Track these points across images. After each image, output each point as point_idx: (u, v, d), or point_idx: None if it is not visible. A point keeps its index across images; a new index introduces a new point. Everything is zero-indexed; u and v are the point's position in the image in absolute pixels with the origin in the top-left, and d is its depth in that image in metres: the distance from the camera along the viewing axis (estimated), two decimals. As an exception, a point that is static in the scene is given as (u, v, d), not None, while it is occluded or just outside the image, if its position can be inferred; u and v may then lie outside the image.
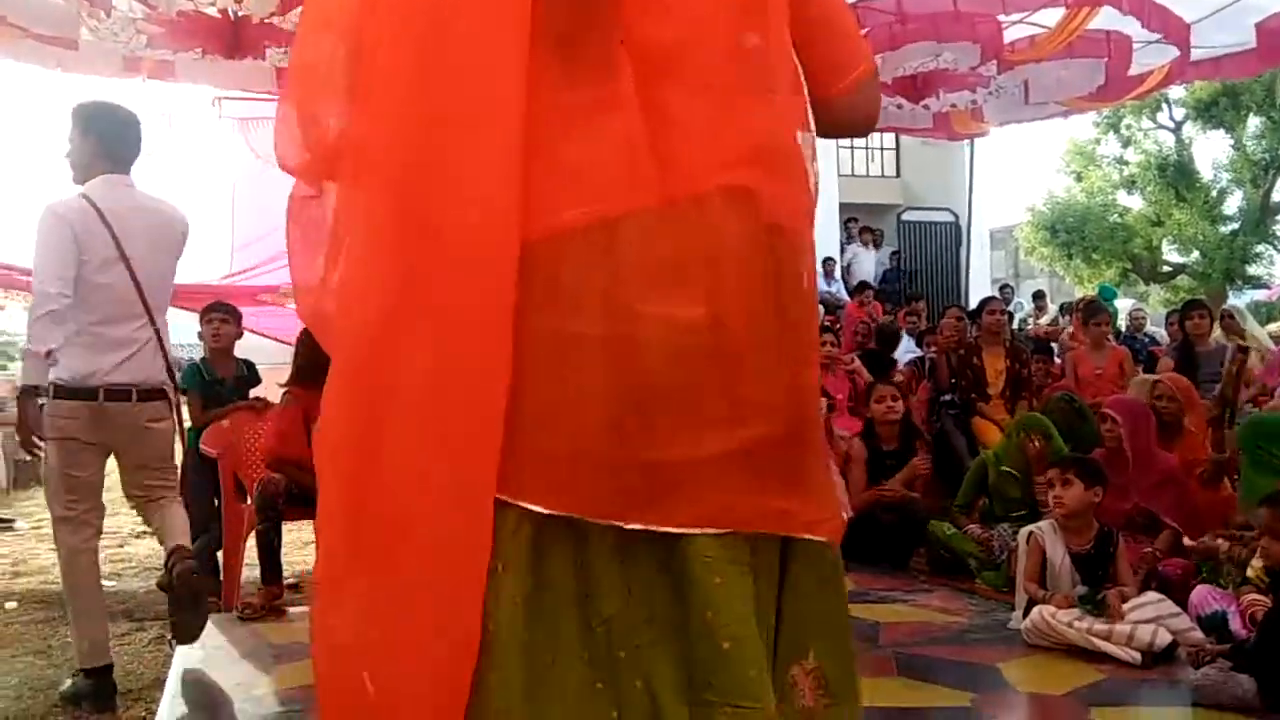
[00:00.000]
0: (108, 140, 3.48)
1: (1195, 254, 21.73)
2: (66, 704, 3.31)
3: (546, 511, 1.31)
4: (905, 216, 17.48)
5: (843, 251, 15.05)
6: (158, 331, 3.48)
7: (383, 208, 1.35)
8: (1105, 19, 6.17)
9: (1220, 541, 3.68)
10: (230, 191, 8.46)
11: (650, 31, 1.36)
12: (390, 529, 1.32)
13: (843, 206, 16.01)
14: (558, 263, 1.31)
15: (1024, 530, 3.86)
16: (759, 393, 1.38)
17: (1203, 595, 3.47)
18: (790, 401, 1.43)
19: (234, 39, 5.43)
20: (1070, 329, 9.02)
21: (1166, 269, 22.54)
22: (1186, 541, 3.94)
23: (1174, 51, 6.75)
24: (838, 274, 13.78)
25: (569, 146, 1.33)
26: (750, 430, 1.37)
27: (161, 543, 3.56)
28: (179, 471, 4.91)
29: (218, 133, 8.07)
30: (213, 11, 5.17)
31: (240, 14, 5.18)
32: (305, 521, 4.73)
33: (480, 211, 1.29)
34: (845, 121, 1.65)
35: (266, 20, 5.25)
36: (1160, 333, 10.51)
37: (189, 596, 3.30)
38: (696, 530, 1.34)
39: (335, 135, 1.45)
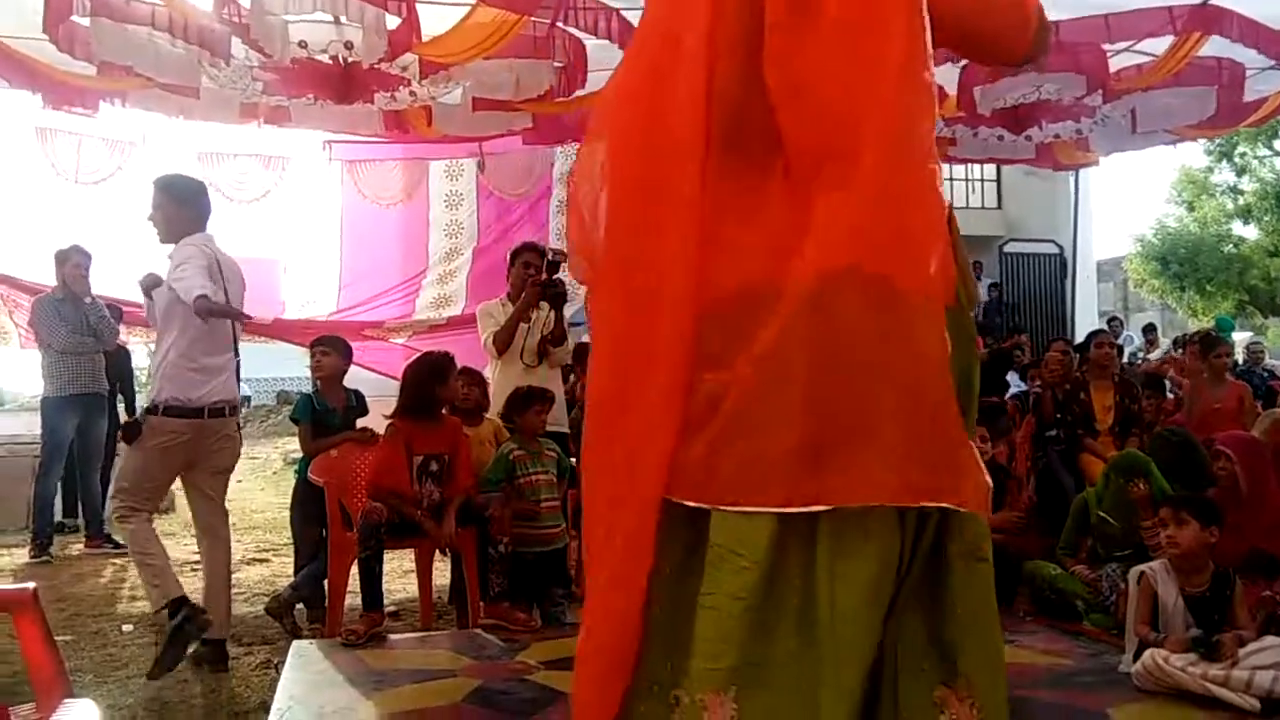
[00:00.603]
0: (198, 207, 4.35)
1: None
2: (171, 639, 3.82)
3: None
4: (1007, 248, 17.15)
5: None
6: (238, 358, 4.42)
7: (606, 289, 1.89)
8: (1216, 45, 6.01)
9: None
10: (338, 231, 8.74)
11: (798, 137, 1.73)
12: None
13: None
14: (741, 317, 1.71)
15: (1134, 570, 3.73)
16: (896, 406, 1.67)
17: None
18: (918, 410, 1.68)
19: (344, 84, 5.64)
20: (1182, 360, 8.69)
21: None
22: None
23: (1289, 77, 6.54)
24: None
25: (732, 230, 1.74)
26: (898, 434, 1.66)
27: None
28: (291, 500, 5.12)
29: (327, 174, 8.36)
30: (324, 58, 5.38)
31: (350, 60, 5.37)
32: (406, 550, 4.85)
33: (663, 284, 1.73)
34: (1031, 60, 2.02)
35: (375, 66, 5.44)
36: (1279, 365, 10.08)
37: (183, 641, 3.89)
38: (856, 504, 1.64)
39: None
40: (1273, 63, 6.27)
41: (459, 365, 4.91)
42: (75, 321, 6.72)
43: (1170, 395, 7.13)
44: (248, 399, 18.20)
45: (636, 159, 1.82)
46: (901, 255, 1.70)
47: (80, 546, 7.10)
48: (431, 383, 4.57)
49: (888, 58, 1.70)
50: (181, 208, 4.25)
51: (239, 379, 4.52)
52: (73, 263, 6.75)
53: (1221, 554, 3.69)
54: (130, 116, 6.67)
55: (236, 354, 4.39)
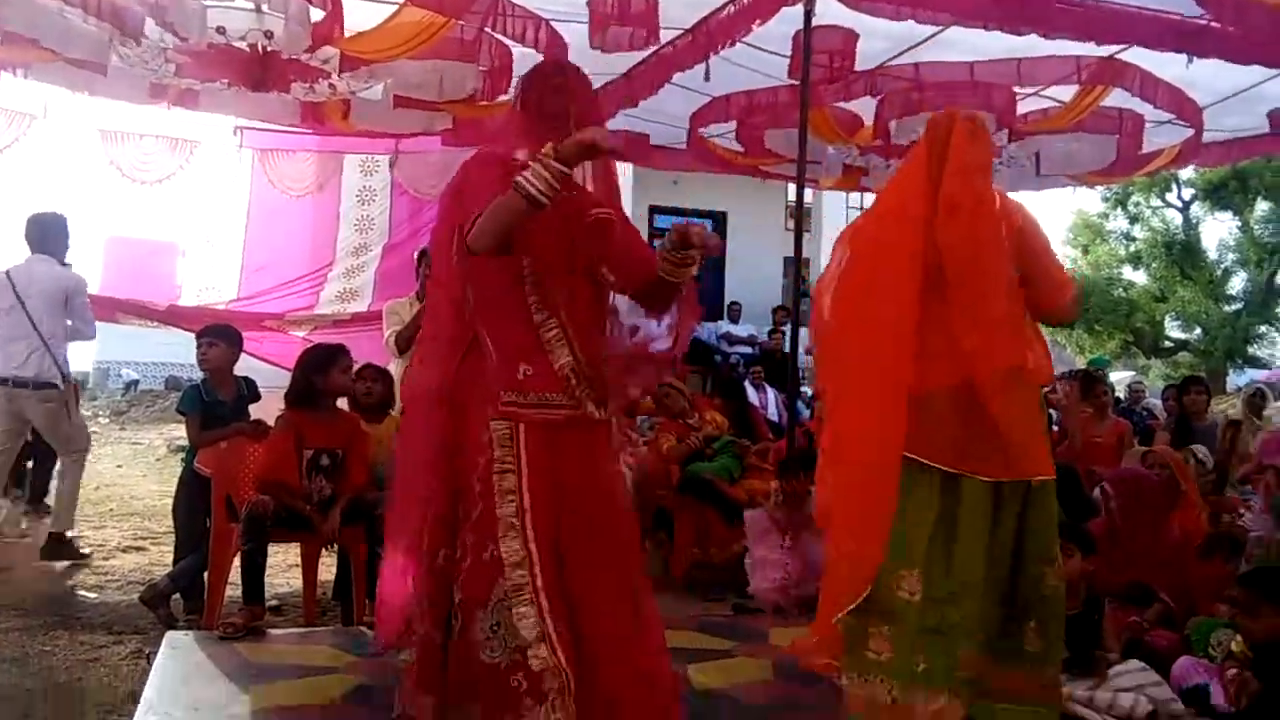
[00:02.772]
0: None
1: (1197, 331, 21.82)
2: None
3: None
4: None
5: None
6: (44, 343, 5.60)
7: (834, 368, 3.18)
8: (1119, 96, 6.29)
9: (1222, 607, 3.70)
10: (244, 218, 8.54)
11: (953, 283, 2.85)
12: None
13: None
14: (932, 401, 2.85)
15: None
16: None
17: (1186, 667, 3.47)
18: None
19: (261, 73, 5.53)
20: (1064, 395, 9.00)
21: (1168, 344, 22.63)
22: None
23: (1186, 131, 6.87)
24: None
25: (926, 338, 2.84)
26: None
27: None
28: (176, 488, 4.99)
29: (237, 160, 8.17)
30: (242, 45, 5.26)
31: (269, 49, 5.27)
32: (292, 544, 4.75)
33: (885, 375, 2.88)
34: (1067, 317, 3.27)
35: (294, 57, 5.35)
36: (1158, 404, 10.54)
37: None
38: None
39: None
40: (1170, 117, 6.59)
41: (360, 361, 4.84)
42: None
43: (1055, 429, 7.37)
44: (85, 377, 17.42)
45: (866, 277, 3.00)
46: (1023, 356, 2.88)
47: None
48: (312, 373, 4.50)
49: (995, 239, 2.88)
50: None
51: (56, 360, 5.62)
52: None
53: (1101, 584, 3.85)
54: (31, 88, 6.44)
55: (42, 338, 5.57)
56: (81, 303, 5.88)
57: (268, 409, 4.88)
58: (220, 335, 5.00)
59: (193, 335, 5.23)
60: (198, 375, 5.25)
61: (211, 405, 4.84)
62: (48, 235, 5.84)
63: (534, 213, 2.27)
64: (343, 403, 4.88)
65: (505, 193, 2.27)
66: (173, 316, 7.82)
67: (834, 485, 3.05)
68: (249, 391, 5.02)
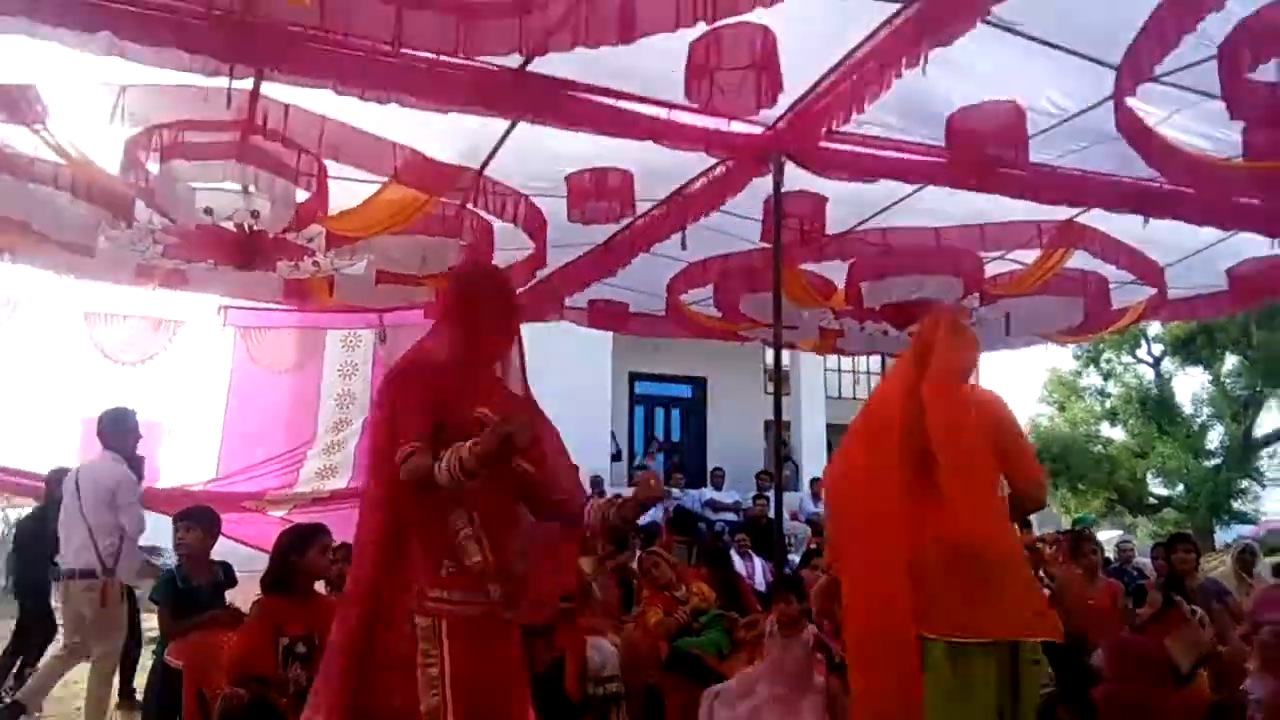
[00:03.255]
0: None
1: (1180, 487, 21.84)
2: None
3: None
4: (892, 441, 17.64)
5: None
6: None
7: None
8: (1082, 259, 6.48)
9: None
10: (224, 396, 8.55)
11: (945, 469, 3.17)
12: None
13: (830, 427, 16.19)
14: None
15: None
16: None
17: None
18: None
19: (247, 251, 5.63)
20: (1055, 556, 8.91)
21: (1152, 501, 22.59)
22: None
23: (1148, 291, 7.05)
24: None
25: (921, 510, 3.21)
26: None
27: None
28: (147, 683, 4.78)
29: (219, 339, 8.24)
30: (229, 225, 5.38)
31: (255, 228, 5.38)
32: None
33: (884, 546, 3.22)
34: (1038, 494, 3.48)
35: (280, 235, 5.46)
36: (1147, 563, 10.44)
37: None
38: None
39: None
40: (1132, 278, 6.78)
41: (337, 540, 4.72)
42: None
43: (1046, 591, 7.26)
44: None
45: (861, 472, 3.37)
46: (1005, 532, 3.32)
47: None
48: (289, 554, 4.37)
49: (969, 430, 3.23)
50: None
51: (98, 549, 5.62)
52: None
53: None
54: (15, 272, 6.52)
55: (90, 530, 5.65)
56: (126, 500, 5.92)
57: (246, 594, 4.74)
58: (197, 520, 4.91)
59: (168, 518, 5.15)
60: (172, 559, 5.14)
61: (186, 592, 4.70)
62: (110, 431, 6.08)
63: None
64: (320, 585, 4.75)
65: (435, 411, 2.59)
66: (149, 500, 7.70)
67: (859, 663, 3.32)
68: (225, 577, 4.90)
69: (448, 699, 2.53)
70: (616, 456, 14.66)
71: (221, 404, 8.47)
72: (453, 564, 2.61)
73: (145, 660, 6.40)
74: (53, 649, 6.23)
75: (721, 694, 4.90)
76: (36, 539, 6.67)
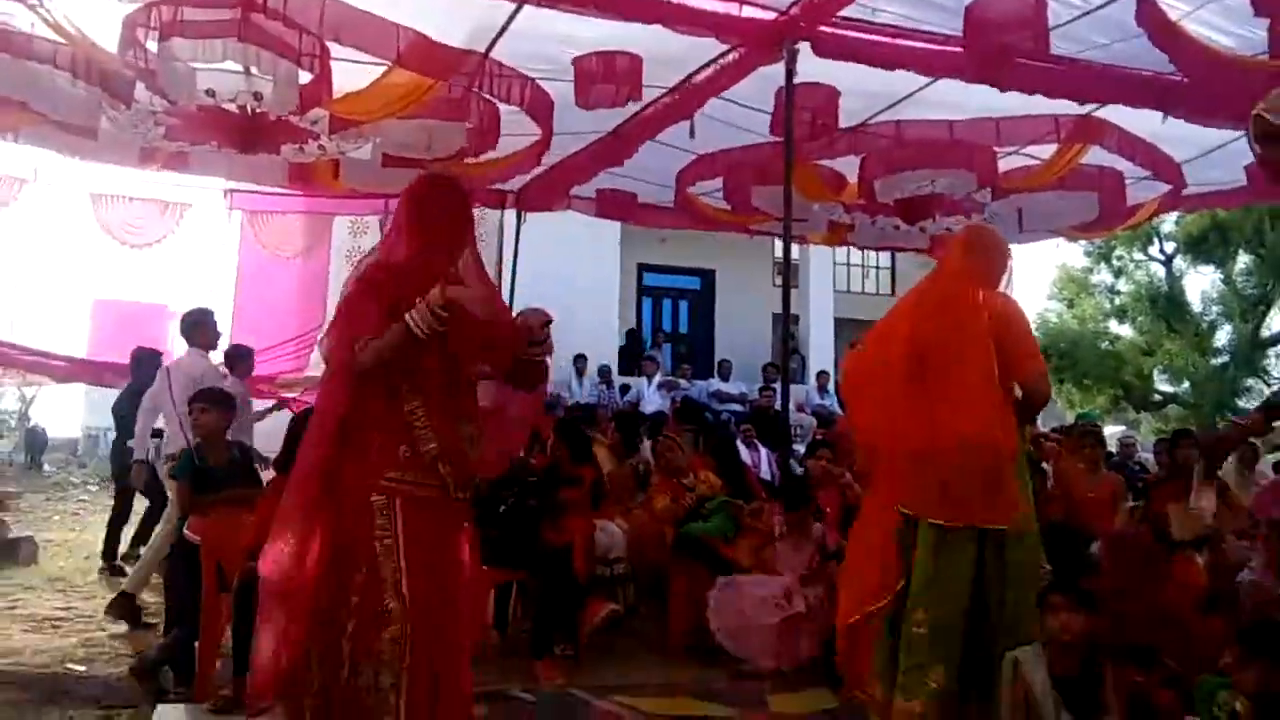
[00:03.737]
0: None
1: (1186, 385, 21.91)
2: None
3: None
4: (900, 334, 17.67)
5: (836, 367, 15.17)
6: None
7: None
8: (1097, 154, 6.38)
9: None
10: (233, 281, 8.57)
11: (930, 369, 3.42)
12: None
13: (838, 321, 16.20)
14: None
15: (1008, 656, 3.80)
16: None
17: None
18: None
19: (250, 134, 5.57)
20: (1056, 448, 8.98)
21: (1158, 398, 22.70)
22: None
23: (1163, 187, 6.96)
24: (831, 387, 13.86)
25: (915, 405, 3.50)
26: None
27: None
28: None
29: (226, 223, 8.21)
30: (232, 107, 5.31)
31: (258, 110, 5.31)
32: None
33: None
34: (1040, 387, 3.59)
35: (283, 118, 5.39)
36: (1149, 459, 10.54)
37: None
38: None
39: None
40: (1148, 174, 6.68)
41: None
42: None
43: (1049, 485, 7.35)
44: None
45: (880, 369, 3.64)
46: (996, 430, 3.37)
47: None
48: (296, 439, 4.45)
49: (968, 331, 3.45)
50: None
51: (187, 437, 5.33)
52: None
53: (1102, 642, 3.80)
54: (21, 152, 6.47)
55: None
56: None
57: (266, 475, 4.82)
58: (212, 401, 4.96)
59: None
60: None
61: (203, 471, 4.79)
62: (191, 331, 6.30)
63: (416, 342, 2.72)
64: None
65: (389, 306, 2.76)
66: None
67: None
68: (242, 457, 4.97)
69: (402, 568, 2.75)
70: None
71: (230, 289, 8.50)
72: (408, 449, 2.80)
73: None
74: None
75: (733, 582, 5.04)
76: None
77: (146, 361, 7.02)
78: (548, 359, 3.01)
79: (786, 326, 5.89)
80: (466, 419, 2.94)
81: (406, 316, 2.71)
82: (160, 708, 3.80)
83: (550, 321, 2.92)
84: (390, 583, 2.76)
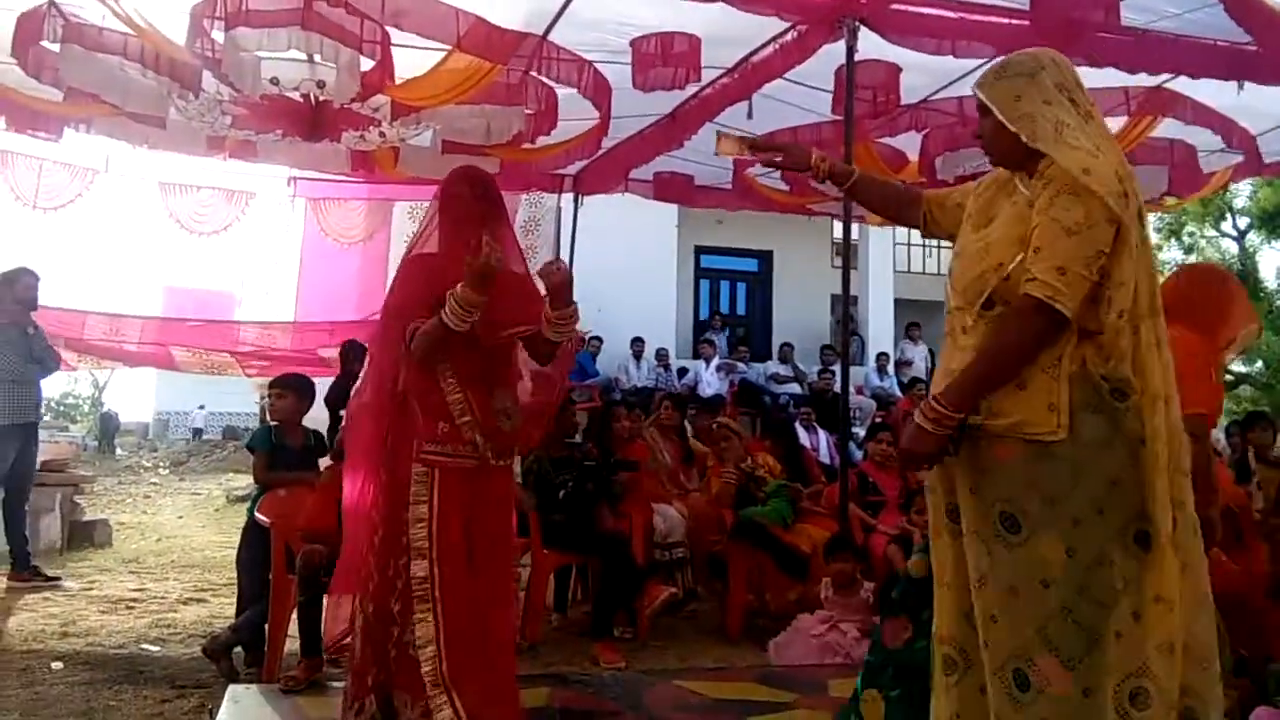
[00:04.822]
0: None
1: (1259, 364, 21.33)
2: None
3: None
4: (961, 315, 17.43)
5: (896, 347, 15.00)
6: None
7: None
8: (1169, 127, 6.21)
9: None
10: (296, 267, 8.70)
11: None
12: None
13: (898, 303, 16.01)
14: None
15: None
16: None
17: (1262, 717, 3.34)
18: None
19: (313, 122, 5.64)
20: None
21: (1229, 378, 22.11)
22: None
23: (1237, 157, 6.76)
24: (891, 369, 13.71)
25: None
26: None
27: None
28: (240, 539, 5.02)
29: (290, 210, 8.34)
30: (295, 96, 5.38)
31: (321, 99, 5.37)
32: (347, 594, 4.75)
33: None
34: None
35: (345, 105, 5.45)
36: (1219, 437, 10.27)
37: None
38: None
39: None
40: (1221, 146, 6.49)
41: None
42: (23, 349, 6.58)
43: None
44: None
45: None
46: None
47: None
48: (340, 403, 4.54)
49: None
50: None
51: None
52: (23, 284, 6.50)
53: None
54: (93, 143, 6.62)
55: None
56: None
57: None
58: (290, 387, 5.03)
59: (248, 381, 5.29)
60: (254, 424, 5.31)
61: (279, 449, 4.87)
62: None
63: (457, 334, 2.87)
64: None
65: (434, 297, 2.90)
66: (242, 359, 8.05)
67: None
68: (316, 444, 5.05)
69: (434, 532, 2.93)
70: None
71: (293, 275, 8.63)
72: (447, 424, 2.98)
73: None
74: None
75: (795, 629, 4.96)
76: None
77: (355, 352, 6.93)
78: (569, 338, 3.16)
79: (846, 308, 5.82)
80: (501, 390, 3.12)
81: (442, 313, 2.86)
82: (232, 688, 3.88)
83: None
84: (418, 548, 2.95)
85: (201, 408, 20.03)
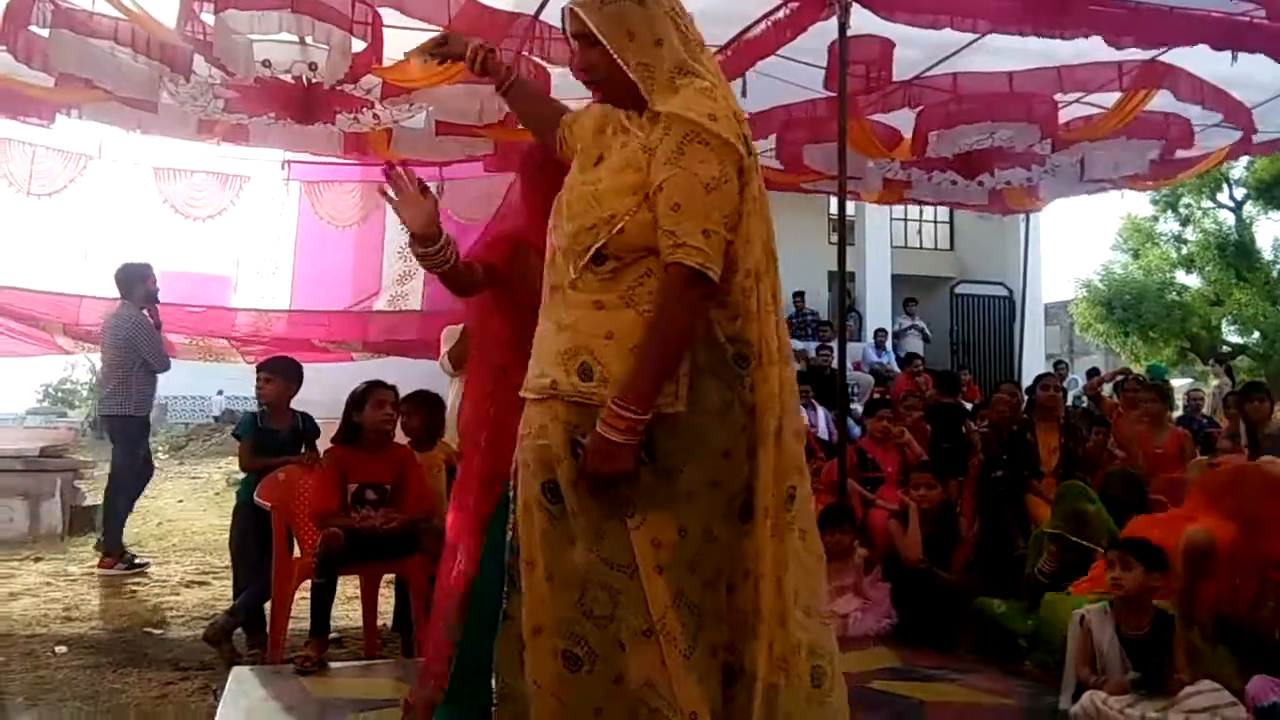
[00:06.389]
0: None
1: (1255, 335, 21.35)
2: None
3: None
4: (959, 290, 17.44)
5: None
6: None
7: None
8: (1164, 100, 6.19)
9: None
10: (291, 250, 8.68)
11: None
12: None
13: (895, 279, 16.00)
14: None
15: (1075, 612, 3.78)
16: None
17: (1261, 686, 3.36)
18: None
19: (306, 104, 5.62)
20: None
21: (1226, 349, 22.14)
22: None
23: (1233, 133, 6.75)
24: (889, 345, 13.73)
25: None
26: None
27: None
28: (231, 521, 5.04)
29: (284, 193, 8.31)
30: (287, 78, 5.36)
31: (313, 80, 5.36)
32: (350, 577, 4.78)
33: None
34: None
35: (337, 87, 5.43)
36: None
37: None
38: None
39: None
40: (1218, 120, 6.48)
41: (402, 392, 4.80)
42: (155, 342, 6.81)
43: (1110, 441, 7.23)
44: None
45: None
46: None
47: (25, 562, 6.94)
48: (350, 411, 4.54)
49: None
50: None
51: None
52: (152, 278, 6.82)
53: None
54: (86, 128, 6.60)
55: None
56: None
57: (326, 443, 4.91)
58: (277, 370, 5.06)
59: (241, 367, 5.31)
60: (251, 408, 5.34)
61: (265, 434, 4.90)
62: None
63: None
64: (402, 435, 4.86)
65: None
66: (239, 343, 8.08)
67: None
68: (304, 425, 5.07)
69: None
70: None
71: (289, 259, 8.62)
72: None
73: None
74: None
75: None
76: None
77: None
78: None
79: (843, 284, 5.83)
80: None
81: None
82: (236, 669, 3.91)
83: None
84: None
85: (220, 393, 20.02)
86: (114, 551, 6.65)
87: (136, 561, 6.70)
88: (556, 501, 2.06)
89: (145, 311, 6.80)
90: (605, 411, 1.94)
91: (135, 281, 6.74)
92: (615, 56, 2.05)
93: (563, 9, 2.14)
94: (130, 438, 6.86)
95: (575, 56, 2.16)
